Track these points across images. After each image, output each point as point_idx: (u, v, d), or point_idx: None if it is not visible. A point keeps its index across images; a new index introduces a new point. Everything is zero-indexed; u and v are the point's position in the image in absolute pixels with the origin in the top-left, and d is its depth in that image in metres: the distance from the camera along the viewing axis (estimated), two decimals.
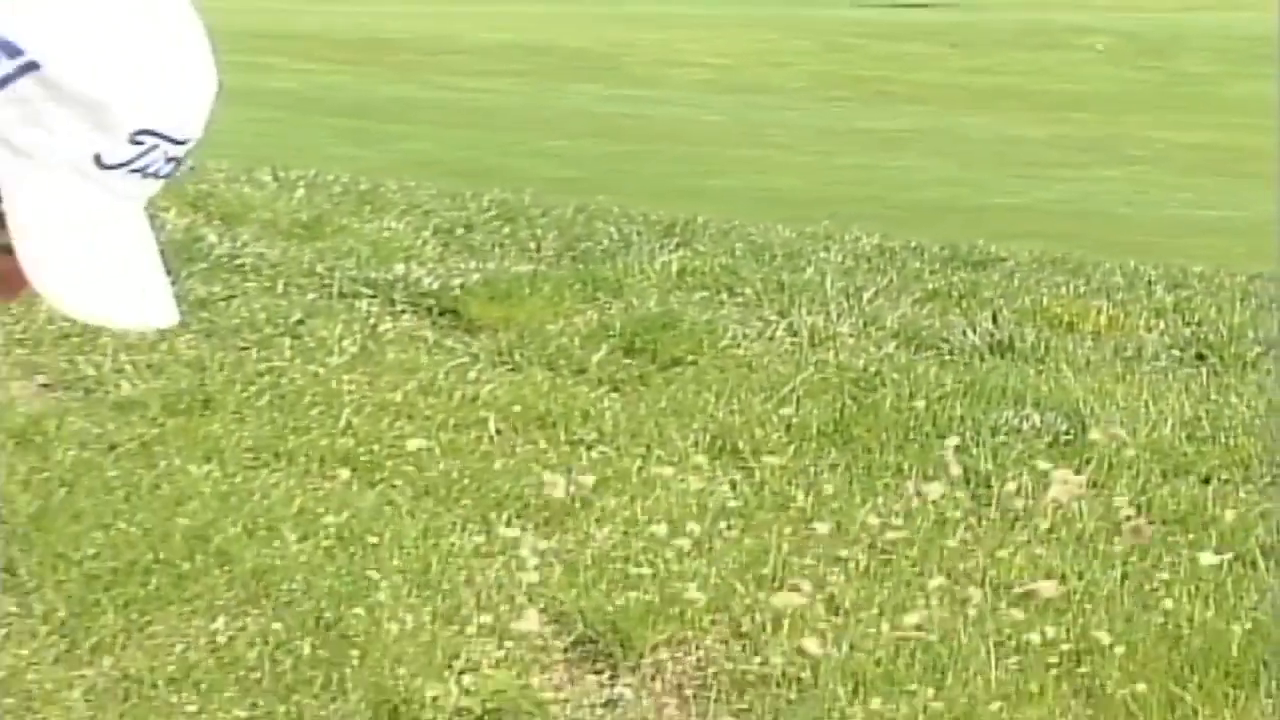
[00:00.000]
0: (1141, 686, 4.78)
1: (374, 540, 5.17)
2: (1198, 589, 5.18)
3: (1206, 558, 5.42)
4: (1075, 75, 23.60)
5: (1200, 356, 6.68)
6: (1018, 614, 5.05)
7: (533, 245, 7.65)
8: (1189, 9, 32.57)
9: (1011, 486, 5.72)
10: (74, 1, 1.58)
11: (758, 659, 4.79)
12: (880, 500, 5.62)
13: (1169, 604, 5.12)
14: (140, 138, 1.59)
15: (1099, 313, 7.17)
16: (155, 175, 1.59)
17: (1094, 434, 6.12)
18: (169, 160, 1.57)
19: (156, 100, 1.59)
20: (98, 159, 1.56)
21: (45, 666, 4.30)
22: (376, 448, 5.52)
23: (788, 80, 23.07)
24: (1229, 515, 5.62)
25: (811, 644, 4.77)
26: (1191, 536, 5.54)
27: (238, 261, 6.83)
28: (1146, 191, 12.98)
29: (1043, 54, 25.55)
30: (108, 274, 1.61)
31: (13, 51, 1.50)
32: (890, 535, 5.37)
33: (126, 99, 1.57)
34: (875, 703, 4.56)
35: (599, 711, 4.64)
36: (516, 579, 5.13)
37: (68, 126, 1.55)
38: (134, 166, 1.57)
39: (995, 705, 4.65)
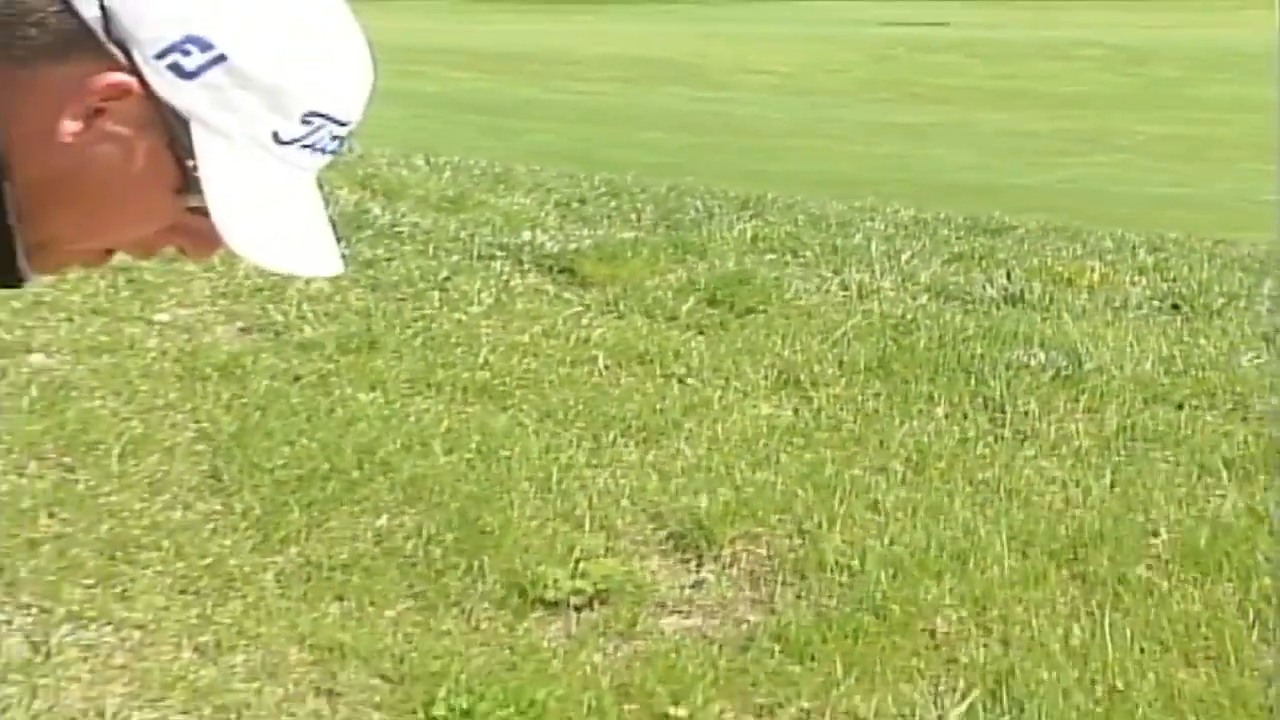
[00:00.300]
0: (1125, 572, 4.70)
1: (506, 454, 4.97)
2: (1172, 495, 5.15)
3: (1179, 470, 5.36)
4: (1075, 80, 23.20)
5: (1175, 306, 6.54)
6: (1025, 514, 4.97)
7: (634, 216, 7.52)
8: (1166, 27, 32.23)
9: (1021, 411, 5.64)
10: (256, 1, 1.53)
11: (815, 551, 4.66)
12: (915, 423, 5.43)
13: (1149, 507, 5.02)
14: (310, 119, 1.50)
15: (1093, 271, 7.04)
16: (322, 151, 1.52)
17: (1088, 368, 5.99)
18: (334, 139, 1.50)
19: (324, 87, 1.54)
20: (275, 136, 1.50)
21: (243, 555, 4.22)
22: (508, 380, 5.39)
23: (839, 85, 22.66)
24: (1198, 435, 5.55)
25: (859, 538, 4.76)
26: (1166, 452, 5.41)
27: (397, 229, 6.61)
28: (1131, 174, 12.71)
29: (1049, 63, 25.15)
30: (286, 232, 1.56)
31: (205, 46, 1.44)
32: (923, 451, 5.25)
33: (299, 86, 1.52)
34: (910, 586, 4.50)
35: (687, 593, 4.54)
36: (621, 485, 4.96)
37: (251, 109, 1.50)
38: (305, 143, 1.52)
39: (1007, 589, 4.56)
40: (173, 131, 1.44)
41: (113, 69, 1.39)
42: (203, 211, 1.46)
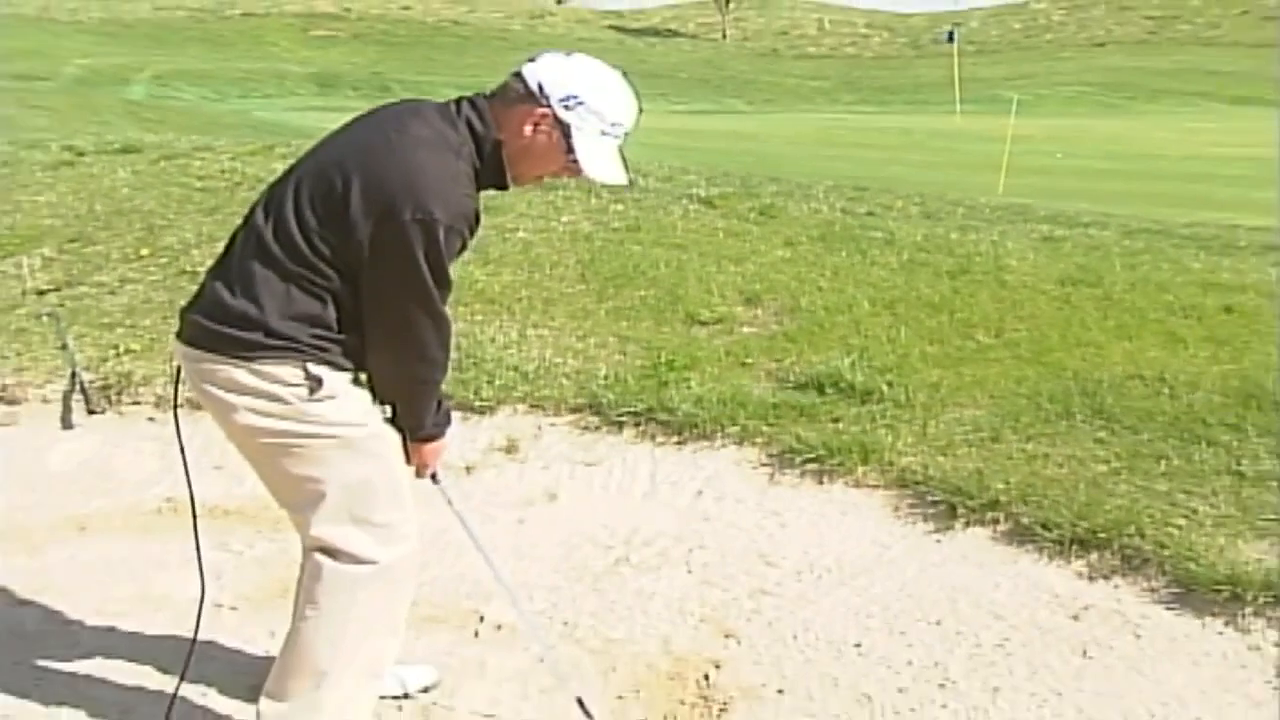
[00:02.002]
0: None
1: (685, 264, 8.02)
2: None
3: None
4: None
5: None
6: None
7: (728, 184, 11.52)
8: None
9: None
10: (590, 73, 3.22)
11: (797, 306, 7.35)
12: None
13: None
14: (613, 125, 3.25)
15: None
16: (615, 137, 3.20)
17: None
18: (620, 135, 3.20)
19: (618, 111, 3.23)
20: (601, 131, 3.19)
21: None
22: (687, 239, 8.61)
23: None
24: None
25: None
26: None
27: (644, 192, 10.35)
28: None
29: None
30: (607, 163, 3.24)
31: (575, 98, 3.18)
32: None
33: (609, 111, 3.21)
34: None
35: (752, 318, 7.06)
36: (723, 278, 7.93)
37: (593, 120, 3.17)
38: (611, 134, 3.20)
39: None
40: (565, 130, 3.18)
41: (542, 108, 3.21)
42: (575, 161, 3.21)
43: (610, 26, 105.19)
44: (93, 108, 27.63)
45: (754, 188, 10.83)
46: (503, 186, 3.34)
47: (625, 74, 3.27)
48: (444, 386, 3.55)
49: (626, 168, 3.25)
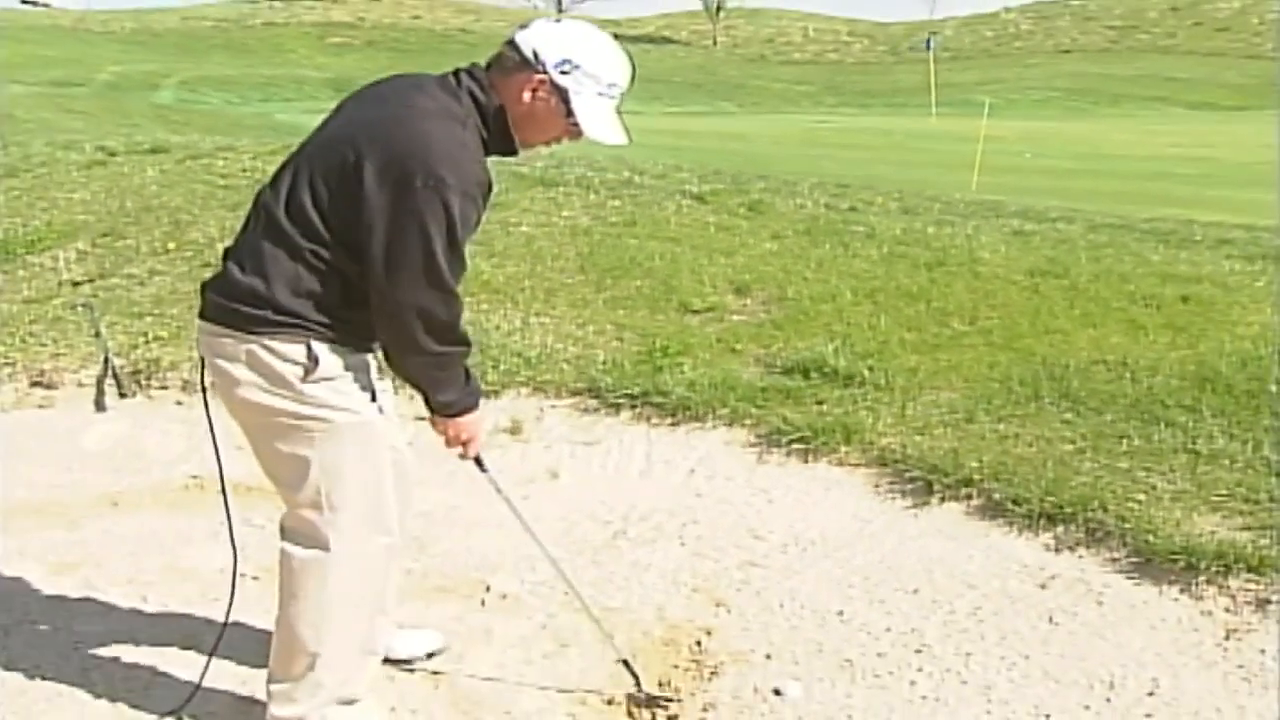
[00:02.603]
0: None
1: (678, 255, 7.84)
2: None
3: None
4: None
5: None
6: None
7: (719, 180, 11.39)
8: None
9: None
10: (583, 36, 3.10)
11: (786, 295, 7.55)
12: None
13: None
14: (610, 86, 3.14)
15: None
16: (612, 98, 3.12)
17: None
18: (617, 95, 3.12)
19: (613, 73, 3.13)
20: (598, 93, 3.09)
21: None
22: (679, 232, 8.55)
23: None
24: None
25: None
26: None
27: (637, 186, 10.59)
28: None
29: None
30: (607, 126, 3.11)
31: (570, 62, 3.06)
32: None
33: (605, 72, 3.11)
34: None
35: (741, 307, 7.30)
36: (714, 269, 7.84)
37: (590, 83, 3.08)
38: (607, 95, 3.11)
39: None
40: (563, 95, 3.04)
41: (539, 74, 3.06)
42: (576, 124, 3.07)
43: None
44: (124, 111, 27.72)
45: (743, 185, 10.84)
46: (511, 152, 3.20)
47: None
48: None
49: (625, 128, 3.14)
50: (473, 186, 3.04)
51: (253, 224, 3.25)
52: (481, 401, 3.43)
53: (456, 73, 3.18)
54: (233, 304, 3.16)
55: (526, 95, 3.06)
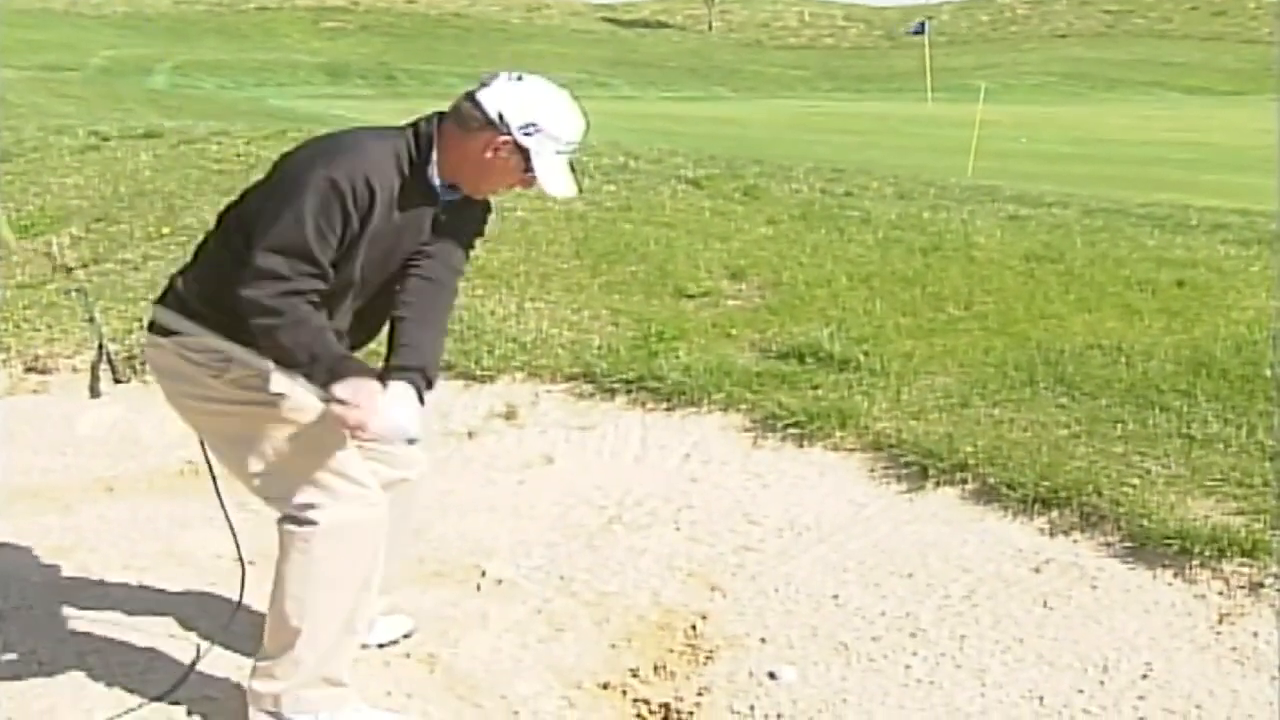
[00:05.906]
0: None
1: (673, 240, 7.88)
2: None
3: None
4: None
5: None
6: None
7: (714, 166, 11.39)
8: None
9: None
10: (545, 99, 3.20)
11: (780, 280, 8.07)
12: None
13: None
14: (567, 145, 3.25)
15: None
16: (567, 155, 3.23)
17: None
18: (573, 151, 3.23)
19: (571, 132, 3.23)
20: (555, 150, 3.20)
21: None
22: (675, 218, 8.53)
23: None
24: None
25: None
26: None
27: (633, 170, 10.72)
28: None
29: None
30: (560, 179, 3.24)
31: (533, 125, 3.16)
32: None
33: (562, 133, 3.21)
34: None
35: (736, 292, 7.43)
36: (710, 254, 7.82)
37: (548, 143, 3.18)
38: (564, 153, 3.21)
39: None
40: (525, 154, 3.16)
41: (503, 136, 3.16)
42: (531, 176, 3.20)
43: (603, 19, 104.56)
44: (117, 96, 27.74)
45: (738, 169, 10.86)
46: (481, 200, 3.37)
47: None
48: (445, 356, 3.37)
49: (576, 178, 3.26)
50: (347, 177, 3.08)
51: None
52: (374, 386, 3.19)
53: (415, 122, 3.28)
54: (159, 309, 3.36)
55: (489, 154, 3.16)
